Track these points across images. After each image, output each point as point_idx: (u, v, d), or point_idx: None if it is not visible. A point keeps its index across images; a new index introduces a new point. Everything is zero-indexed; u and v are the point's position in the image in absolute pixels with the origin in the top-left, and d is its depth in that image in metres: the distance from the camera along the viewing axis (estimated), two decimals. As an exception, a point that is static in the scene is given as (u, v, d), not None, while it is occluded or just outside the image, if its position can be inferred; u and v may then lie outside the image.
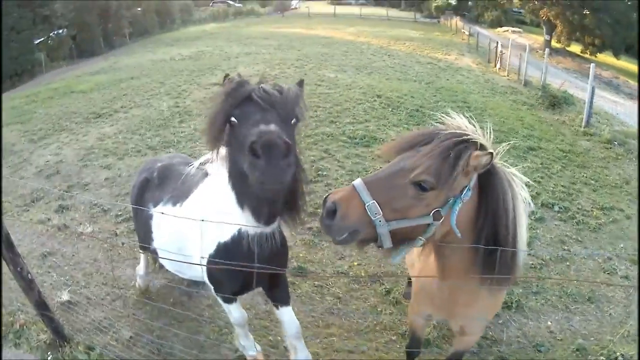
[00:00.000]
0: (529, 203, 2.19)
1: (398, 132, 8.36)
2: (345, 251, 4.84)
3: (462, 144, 1.93)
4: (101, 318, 3.81)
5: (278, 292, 3.01)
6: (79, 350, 3.39)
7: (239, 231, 2.43)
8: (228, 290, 2.79)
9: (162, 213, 2.92)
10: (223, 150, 2.29)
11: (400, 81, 12.01)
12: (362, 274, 4.59)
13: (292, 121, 2.11)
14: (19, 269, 3.05)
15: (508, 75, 14.55)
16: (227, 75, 2.23)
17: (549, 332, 4.03)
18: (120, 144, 7.68)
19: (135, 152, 7.34)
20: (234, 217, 2.31)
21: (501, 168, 2.07)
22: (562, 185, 6.68)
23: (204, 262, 2.59)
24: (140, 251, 4.04)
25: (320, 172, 6.57)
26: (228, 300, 2.89)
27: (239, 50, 15.17)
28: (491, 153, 1.87)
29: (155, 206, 3.14)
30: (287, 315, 3.00)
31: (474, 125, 2.08)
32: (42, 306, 3.26)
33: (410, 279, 4.06)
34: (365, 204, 1.84)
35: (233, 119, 2.06)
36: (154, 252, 3.27)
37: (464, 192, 1.94)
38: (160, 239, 3.06)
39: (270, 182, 1.86)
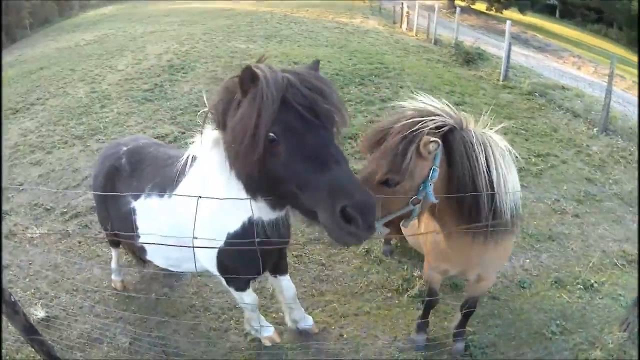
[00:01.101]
0: (510, 152, 2.44)
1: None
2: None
3: (410, 136, 2.18)
4: (89, 329, 3.61)
5: (279, 264, 3.12)
6: None
7: (249, 218, 2.36)
8: (242, 280, 2.78)
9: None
10: (213, 134, 2.17)
11: (312, 47, 12.16)
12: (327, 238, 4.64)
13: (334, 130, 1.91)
14: None
15: (416, 35, 15.25)
16: (247, 68, 1.82)
17: (524, 269, 4.44)
18: (45, 138, 7.27)
19: (62, 144, 6.98)
20: (245, 206, 2.11)
21: (461, 136, 2.30)
22: (497, 137, 7.21)
23: (213, 253, 2.55)
24: (111, 246, 3.89)
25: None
26: (241, 289, 2.87)
27: (142, 29, 14.72)
28: (436, 140, 2.15)
29: (136, 199, 2.92)
30: (285, 281, 3.20)
31: (433, 104, 2.38)
32: (30, 330, 2.91)
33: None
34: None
35: (271, 134, 1.78)
36: (141, 249, 3.07)
37: (431, 173, 2.21)
38: (150, 234, 2.81)
39: (355, 243, 1.83)
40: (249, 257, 2.43)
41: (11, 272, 4.29)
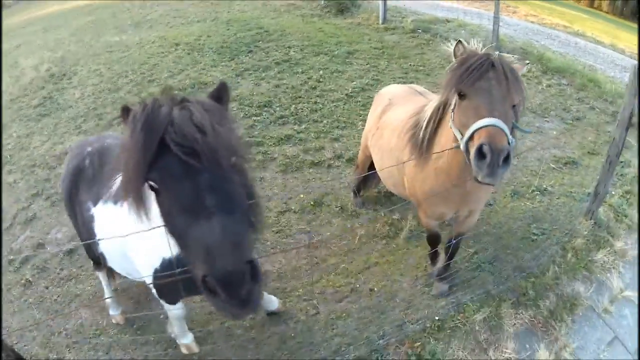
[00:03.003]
0: None
1: (221, 71, 8.66)
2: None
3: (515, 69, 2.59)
4: None
5: None
6: None
7: (169, 258, 2.57)
8: (172, 299, 3.03)
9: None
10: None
11: (185, 25, 12.09)
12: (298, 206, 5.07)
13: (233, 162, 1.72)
14: None
15: (280, -6, 15.59)
16: (123, 107, 1.75)
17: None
18: None
19: None
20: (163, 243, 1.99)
21: None
22: (399, 77, 8.02)
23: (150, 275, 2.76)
24: (95, 269, 3.88)
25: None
26: (170, 303, 3.09)
27: (6, 45, 13.29)
28: (527, 63, 2.72)
29: (95, 204, 3.02)
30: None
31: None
32: None
33: (356, 191, 4.93)
34: (508, 138, 2.35)
35: (151, 182, 1.68)
36: (101, 256, 3.16)
37: None
38: (104, 242, 2.93)
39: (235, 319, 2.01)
40: (170, 287, 2.68)
41: None
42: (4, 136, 7.61)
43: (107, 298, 3.94)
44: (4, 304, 4.36)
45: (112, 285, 4.09)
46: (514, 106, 2.51)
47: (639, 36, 12.23)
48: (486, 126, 2.32)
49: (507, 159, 2.25)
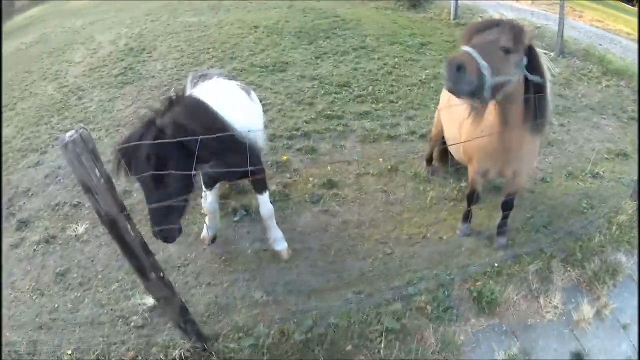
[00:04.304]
0: (551, 69, 3.43)
1: (301, 53, 9.25)
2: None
3: (517, 25, 3.08)
4: (212, 298, 3.98)
5: (255, 185, 4.01)
6: (234, 339, 3.48)
7: None
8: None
9: None
10: None
11: (262, 11, 12.67)
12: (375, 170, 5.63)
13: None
14: (160, 274, 2.88)
15: (354, -14, 16.13)
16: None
17: (541, 170, 5.71)
18: (31, 140, 7.04)
19: (54, 141, 6.82)
20: None
21: (535, 47, 3.26)
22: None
23: None
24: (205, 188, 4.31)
25: (263, 103, 7.17)
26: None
27: (80, 22, 14.09)
28: (535, 27, 3.16)
29: None
30: (260, 200, 4.04)
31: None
32: (185, 311, 3.15)
33: (429, 161, 5.51)
34: (479, 64, 2.84)
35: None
36: None
37: (523, 59, 3.13)
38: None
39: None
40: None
41: (74, 275, 4.38)
42: (85, 99, 8.25)
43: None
44: (93, 242, 4.82)
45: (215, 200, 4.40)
46: (508, 51, 2.97)
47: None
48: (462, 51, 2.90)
49: (460, 69, 2.76)
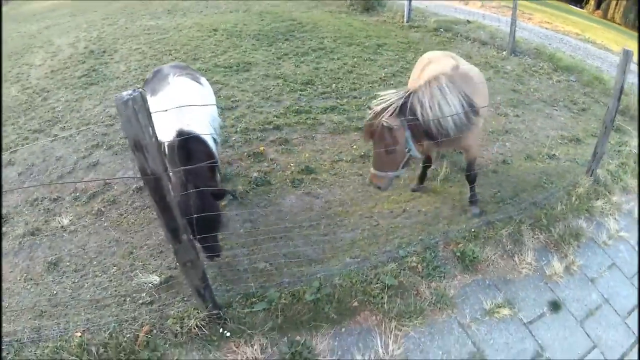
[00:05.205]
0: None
1: (262, 54, 9.70)
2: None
3: (380, 124, 4.03)
4: (215, 273, 4.24)
5: None
6: (247, 305, 3.79)
7: None
8: None
9: None
10: None
11: (219, 15, 13.09)
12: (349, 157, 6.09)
13: None
14: (190, 236, 3.12)
15: (307, -10, 16.77)
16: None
17: (501, 154, 6.38)
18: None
19: (23, 140, 6.94)
20: None
21: (411, 102, 4.05)
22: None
23: None
24: None
25: (232, 100, 7.58)
26: None
27: (35, 27, 13.88)
28: (387, 121, 3.99)
29: None
30: None
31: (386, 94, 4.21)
32: (205, 277, 3.37)
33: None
34: (385, 175, 4.17)
35: None
36: None
37: (405, 133, 4.07)
38: None
39: None
40: None
41: (67, 263, 4.53)
42: (51, 100, 8.34)
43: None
44: (80, 232, 5.04)
45: None
46: (392, 151, 4.13)
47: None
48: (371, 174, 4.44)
49: (379, 187, 4.44)
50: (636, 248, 5.18)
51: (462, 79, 4.24)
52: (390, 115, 3.92)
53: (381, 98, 4.06)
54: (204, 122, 4.10)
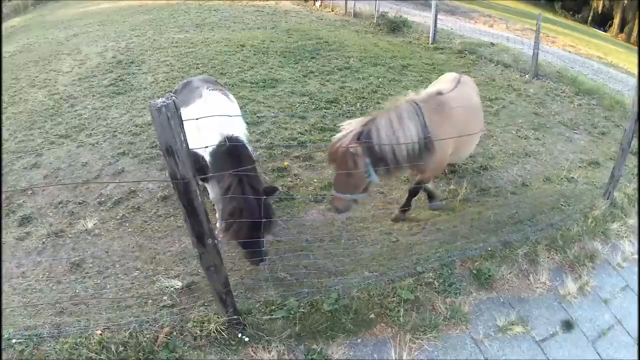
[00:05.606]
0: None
1: (288, 71, 9.98)
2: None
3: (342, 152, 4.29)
4: (237, 281, 4.42)
5: None
6: (266, 312, 3.94)
7: None
8: None
9: None
10: None
11: (246, 31, 13.41)
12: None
13: None
14: (215, 241, 3.22)
15: (333, 11, 17.12)
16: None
17: (520, 176, 6.51)
18: (25, 142, 7.33)
19: (49, 144, 7.20)
20: None
21: (370, 130, 4.28)
22: (449, 90, 9.32)
23: None
24: None
25: (258, 115, 7.84)
26: None
27: (64, 34, 14.36)
28: (349, 147, 4.22)
29: None
30: None
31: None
32: (227, 282, 3.46)
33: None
34: (346, 197, 4.39)
35: None
36: None
37: (365, 161, 4.27)
38: None
39: None
40: None
41: (90, 265, 4.68)
42: (77, 107, 8.61)
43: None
44: (104, 236, 5.17)
45: None
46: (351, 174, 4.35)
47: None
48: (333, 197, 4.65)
49: (341, 211, 4.67)
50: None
51: (434, 106, 4.55)
52: (351, 140, 4.17)
53: (348, 123, 4.37)
54: (242, 133, 4.36)
